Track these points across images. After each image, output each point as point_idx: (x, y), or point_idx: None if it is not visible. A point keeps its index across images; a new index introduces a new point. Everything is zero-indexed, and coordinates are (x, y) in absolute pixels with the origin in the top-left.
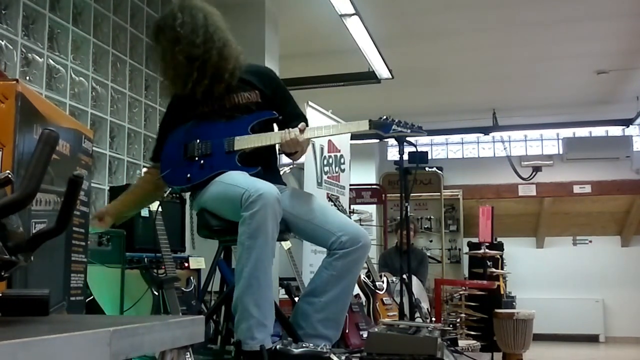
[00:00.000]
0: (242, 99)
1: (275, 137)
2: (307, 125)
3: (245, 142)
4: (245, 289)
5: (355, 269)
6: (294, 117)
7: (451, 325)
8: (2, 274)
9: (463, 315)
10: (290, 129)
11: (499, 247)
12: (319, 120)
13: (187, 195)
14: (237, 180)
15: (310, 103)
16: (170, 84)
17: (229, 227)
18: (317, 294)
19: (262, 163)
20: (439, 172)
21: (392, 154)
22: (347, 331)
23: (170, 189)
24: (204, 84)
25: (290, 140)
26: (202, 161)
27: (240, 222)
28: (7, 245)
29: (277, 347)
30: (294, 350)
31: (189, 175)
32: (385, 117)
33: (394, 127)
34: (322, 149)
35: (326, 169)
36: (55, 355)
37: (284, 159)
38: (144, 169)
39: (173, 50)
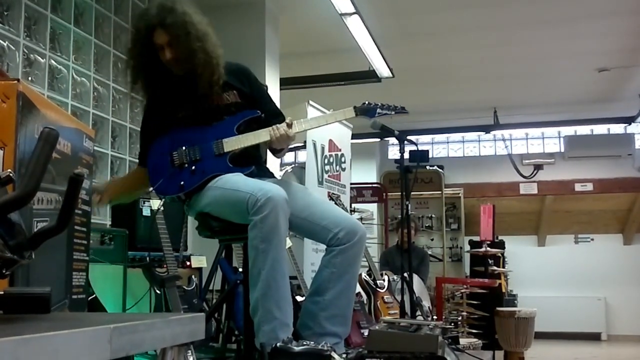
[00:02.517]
0: (222, 100)
1: (263, 134)
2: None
3: (234, 143)
4: (265, 292)
5: (355, 263)
6: (274, 115)
7: (452, 324)
8: (4, 271)
9: (464, 313)
10: (278, 125)
11: (501, 245)
12: None
13: None
14: (237, 184)
15: (310, 102)
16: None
17: (229, 227)
18: (320, 293)
19: (253, 161)
20: (440, 170)
21: (393, 152)
22: None
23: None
24: (204, 84)
25: (280, 136)
26: (192, 167)
27: (250, 226)
28: (9, 243)
29: (278, 345)
30: (295, 348)
31: (182, 183)
32: (368, 102)
33: (378, 110)
34: (322, 148)
35: (327, 167)
36: (55, 352)
37: (286, 159)
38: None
39: (185, 37)
